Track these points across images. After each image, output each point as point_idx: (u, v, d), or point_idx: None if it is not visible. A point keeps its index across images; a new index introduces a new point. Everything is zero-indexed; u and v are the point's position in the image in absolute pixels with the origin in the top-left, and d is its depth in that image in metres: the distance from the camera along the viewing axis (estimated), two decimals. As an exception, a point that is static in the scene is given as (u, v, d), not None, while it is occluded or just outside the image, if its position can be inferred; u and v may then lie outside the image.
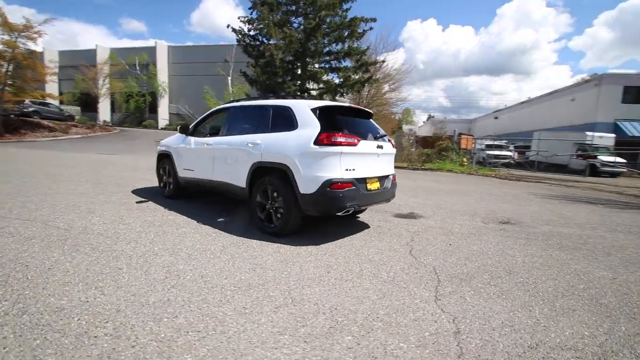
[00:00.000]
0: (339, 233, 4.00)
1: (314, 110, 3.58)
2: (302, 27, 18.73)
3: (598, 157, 16.36)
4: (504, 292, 2.62)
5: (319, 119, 3.49)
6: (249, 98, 5.06)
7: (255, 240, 3.52)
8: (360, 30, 18.50)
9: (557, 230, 4.77)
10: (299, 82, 19.37)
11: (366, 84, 19.75)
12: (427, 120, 58.29)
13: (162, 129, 32.60)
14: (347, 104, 3.81)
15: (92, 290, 2.27)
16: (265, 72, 18.16)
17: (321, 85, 19.72)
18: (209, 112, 5.05)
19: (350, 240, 3.76)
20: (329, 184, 3.31)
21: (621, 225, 5.37)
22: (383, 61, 20.82)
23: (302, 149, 3.41)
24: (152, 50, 34.20)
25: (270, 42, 18.85)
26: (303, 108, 3.64)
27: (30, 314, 1.95)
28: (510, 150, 21.35)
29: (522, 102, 32.97)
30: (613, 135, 19.11)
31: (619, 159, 16.35)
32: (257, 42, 19.50)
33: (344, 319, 2.09)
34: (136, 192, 5.83)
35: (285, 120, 3.74)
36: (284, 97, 4.19)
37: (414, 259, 3.27)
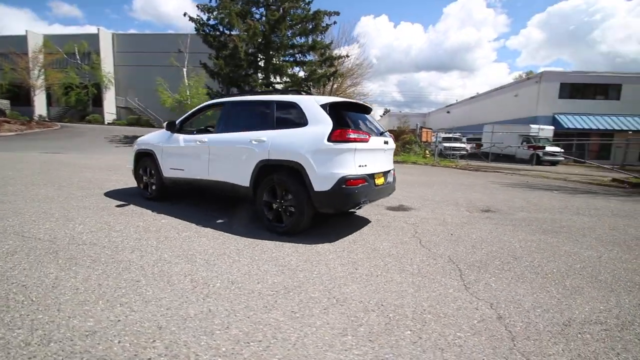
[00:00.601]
0: (345, 229, 4.01)
1: (323, 106, 3.52)
2: (264, 18, 18.27)
3: (546, 147, 18.16)
4: (519, 276, 2.83)
5: (329, 115, 3.45)
6: (243, 93, 4.83)
7: (267, 241, 3.40)
8: (323, 24, 18.50)
9: (533, 216, 5.24)
10: (263, 75, 18.93)
11: (331, 79, 19.90)
12: (384, 114, 60.22)
13: (109, 124, 29.97)
14: (351, 100, 3.80)
15: (118, 308, 2.04)
16: (229, 64, 17.44)
17: (286, 79, 19.47)
18: (198, 107, 4.72)
19: (360, 235, 3.79)
20: (344, 180, 3.30)
21: (581, 209, 6.05)
22: (347, 56, 21.03)
23: (315, 146, 3.35)
24: (93, 38, 31.06)
25: (232, 32, 18.16)
26: (311, 104, 3.57)
27: (59, 342, 1.70)
28: (463, 143, 22.89)
29: (472, 97, 35.41)
30: (552, 127, 21.35)
31: (558, 149, 18.31)
32: (218, 33, 18.66)
33: (394, 314, 2.12)
34: (109, 195, 5.32)
35: (292, 117, 3.64)
36: (286, 93, 4.06)
37: (427, 250, 3.40)
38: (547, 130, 20.71)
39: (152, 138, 5.03)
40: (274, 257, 2.99)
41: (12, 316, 1.90)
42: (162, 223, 3.91)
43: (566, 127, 22.09)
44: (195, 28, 18.28)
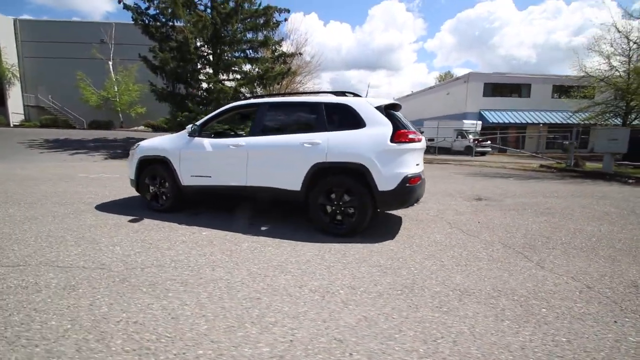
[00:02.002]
0: (384, 227, 4.17)
1: (379, 108, 3.61)
2: (209, 10, 17.26)
3: (485, 141, 20.66)
4: (565, 252, 3.34)
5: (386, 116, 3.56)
6: (273, 95, 4.59)
7: (336, 244, 3.38)
8: (274, 20, 18.18)
9: (518, 201, 6.06)
10: (212, 71, 17.88)
11: (284, 76, 19.72)
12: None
13: (16, 126, 25.26)
14: (393, 101, 3.93)
15: (275, 328, 1.91)
16: (175, 58, 16.10)
17: (237, 76, 18.72)
18: (223, 108, 4.38)
19: (408, 231, 4.00)
20: (407, 179, 3.46)
21: (546, 193, 7.15)
22: (300, 53, 21.02)
23: (379, 148, 3.43)
24: (-15, 23, 25.79)
25: (177, 24, 16.81)
26: (366, 106, 3.63)
27: (256, 372, 1.56)
28: None
29: (408, 95, 38.35)
30: (480, 122, 24.34)
31: (489, 142, 20.99)
32: (159, 23, 17.08)
33: (518, 297, 2.36)
34: (103, 209, 4.65)
35: (347, 119, 3.65)
36: (335, 94, 4.02)
37: (476, 238, 3.76)
38: (477, 125, 23.58)
39: (164, 143, 4.52)
40: (359, 259, 3.02)
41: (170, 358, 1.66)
42: (205, 236, 3.60)
43: (490, 121, 25.41)
44: (132, 17, 16.44)
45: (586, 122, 21.08)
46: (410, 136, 3.50)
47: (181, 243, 3.35)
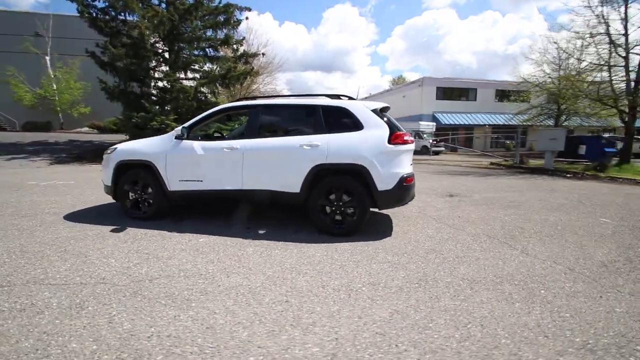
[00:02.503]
0: (378, 225, 4.34)
1: (374, 111, 3.76)
2: (163, 4, 16.37)
3: (441, 141, 22.01)
4: (542, 240, 3.75)
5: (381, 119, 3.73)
6: (267, 97, 4.50)
7: (344, 244, 3.45)
8: (235, 19, 17.76)
9: (486, 196, 6.62)
10: (170, 69, 16.96)
11: (247, 77, 19.34)
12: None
13: None
14: (385, 103, 4.10)
15: (329, 338, 1.94)
16: (129, 54, 15.02)
17: (197, 75, 17.96)
18: (213, 110, 4.21)
19: (401, 228, 4.20)
20: (404, 179, 3.65)
21: (504, 188, 7.88)
22: (263, 54, 20.70)
23: (378, 149, 3.58)
24: None
25: (129, 18, 15.71)
26: (362, 109, 3.75)
27: (316, 372, 1.59)
28: None
29: (366, 98, 39.58)
30: (434, 123, 25.95)
31: (443, 142, 22.47)
32: (108, 17, 15.80)
33: (518, 282, 2.63)
34: (74, 219, 4.26)
35: (345, 121, 3.75)
36: (329, 97, 4.08)
37: (462, 231, 4.07)
38: (432, 126, 25.12)
39: (147, 146, 4.24)
40: (368, 257, 3.13)
41: (223, 365, 1.62)
42: (203, 242, 3.47)
43: (443, 123, 27.20)
44: (77, 9, 15.03)
45: (525, 123, 23.47)
46: (405, 138, 3.70)
47: (181, 251, 3.20)
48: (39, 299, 2.23)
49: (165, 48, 17.02)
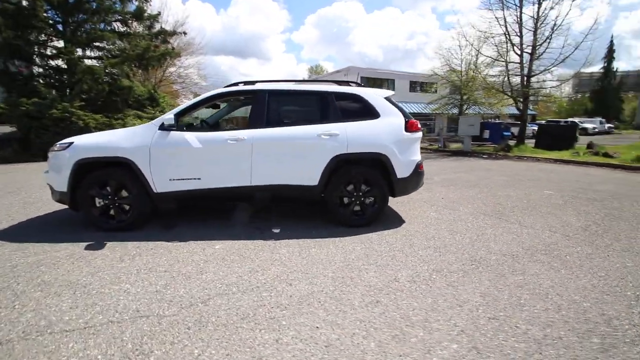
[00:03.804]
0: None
1: (387, 98, 3.73)
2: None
3: None
4: (525, 213, 4.30)
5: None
6: (270, 81, 3.94)
7: (368, 234, 3.40)
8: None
9: (444, 178, 7.29)
10: (69, 45, 13.95)
11: (168, 57, 17.19)
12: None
13: None
14: (391, 91, 4.05)
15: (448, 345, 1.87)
16: (8, 25, 11.81)
17: (103, 54, 15.19)
18: (207, 95, 3.56)
19: (403, 213, 4.33)
20: (419, 165, 3.75)
21: (449, 169, 8.80)
22: (185, 32, 18.50)
23: (396, 137, 3.57)
24: None
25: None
26: (376, 97, 3.68)
27: (478, 369, 1.54)
28: None
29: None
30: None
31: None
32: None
33: (545, 251, 2.98)
34: (17, 237, 3.25)
35: (359, 109, 3.63)
36: (338, 84, 3.83)
37: (459, 211, 4.41)
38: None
39: (120, 139, 3.40)
40: (407, 244, 3.15)
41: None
42: (221, 250, 3.01)
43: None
44: None
45: (435, 112, 26.50)
46: (418, 125, 3.78)
47: (205, 263, 2.73)
48: (68, 354, 1.64)
49: (58, 19, 13.89)
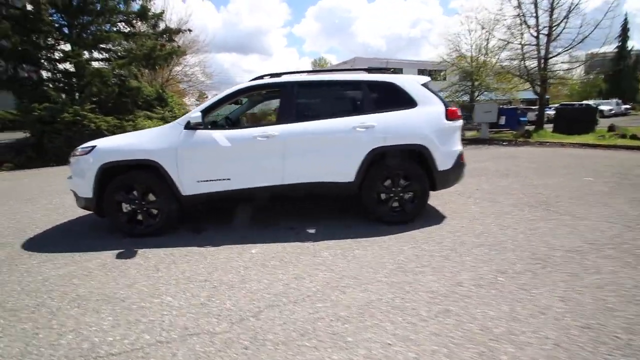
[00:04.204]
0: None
1: (425, 85, 3.47)
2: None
3: None
4: (573, 203, 4.01)
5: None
6: (296, 72, 3.71)
7: (412, 232, 3.18)
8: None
9: (474, 167, 6.94)
10: (76, 48, 13.85)
11: (174, 56, 17.02)
12: (209, 98, 56.41)
13: None
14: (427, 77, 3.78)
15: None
16: (16, 30, 11.72)
17: (108, 55, 15.08)
18: (234, 90, 3.35)
19: (442, 207, 4.09)
20: (460, 156, 3.49)
21: (472, 158, 8.46)
22: (190, 30, 18.29)
23: (437, 127, 3.32)
24: None
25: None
26: (413, 84, 3.42)
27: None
28: None
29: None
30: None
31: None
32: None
33: (607, 243, 2.73)
34: (40, 247, 3.11)
35: (396, 98, 3.38)
36: (368, 71, 3.59)
37: (499, 203, 4.14)
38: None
39: (144, 141, 3.23)
40: (460, 242, 2.92)
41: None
42: (259, 254, 2.83)
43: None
44: None
45: (446, 100, 25.91)
46: (459, 113, 3.52)
47: (246, 269, 2.55)
48: (119, 381, 1.47)
49: (63, 22, 13.79)
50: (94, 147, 3.27)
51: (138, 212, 3.31)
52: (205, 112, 3.30)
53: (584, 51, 19.15)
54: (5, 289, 2.37)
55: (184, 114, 17.08)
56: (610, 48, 42.95)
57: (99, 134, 11.80)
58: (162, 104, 16.67)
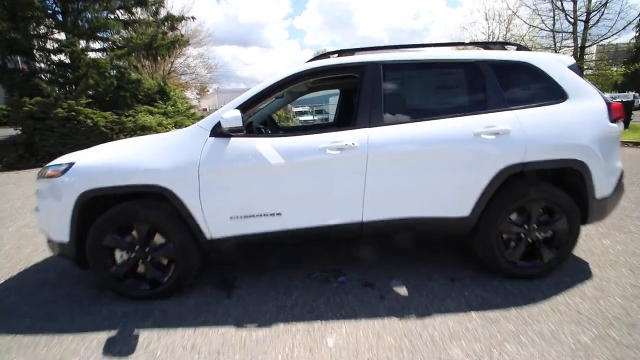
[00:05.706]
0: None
1: (572, 68, 2.28)
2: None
3: None
4: None
5: (579, 81, 2.28)
6: (375, 48, 2.48)
7: (558, 297, 2.04)
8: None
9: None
10: (70, 36, 12.56)
11: (177, 45, 15.76)
12: (210, 92, 55.16)
13: None
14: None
15: None
16: (6, 17, 10.50)
17: (107, 45, 13.85)
18: (281, 78, 2.14)
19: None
20: (622, 175, 2.33)
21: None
22: (193, 17, 16.96)
23: (598, 132, 2.14)
24: None
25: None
26: (559, 66, 2.24)
27: None
28: (311, 114, 24.35)
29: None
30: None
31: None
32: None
33: None
34: (14, 303, 1.98)
35: (535, 87, 2.21)
36: (484, 47, 2.42)
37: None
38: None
39: (151, 154, 2.07)
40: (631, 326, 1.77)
41: None
42: (338, 351, 1.69)
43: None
44: None
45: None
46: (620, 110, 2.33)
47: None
48: None
49: (57, 9, 12.56)
50: (71, 164, 2.11)
51: (138, 262, 2.17)
52: (244, 109, 2.11)
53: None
54: None
55: (187, 109, 15.80)
56: (627, 39, 41.34)
57: (96, 131, 10.67)
58: (165, 98, 15.47)
